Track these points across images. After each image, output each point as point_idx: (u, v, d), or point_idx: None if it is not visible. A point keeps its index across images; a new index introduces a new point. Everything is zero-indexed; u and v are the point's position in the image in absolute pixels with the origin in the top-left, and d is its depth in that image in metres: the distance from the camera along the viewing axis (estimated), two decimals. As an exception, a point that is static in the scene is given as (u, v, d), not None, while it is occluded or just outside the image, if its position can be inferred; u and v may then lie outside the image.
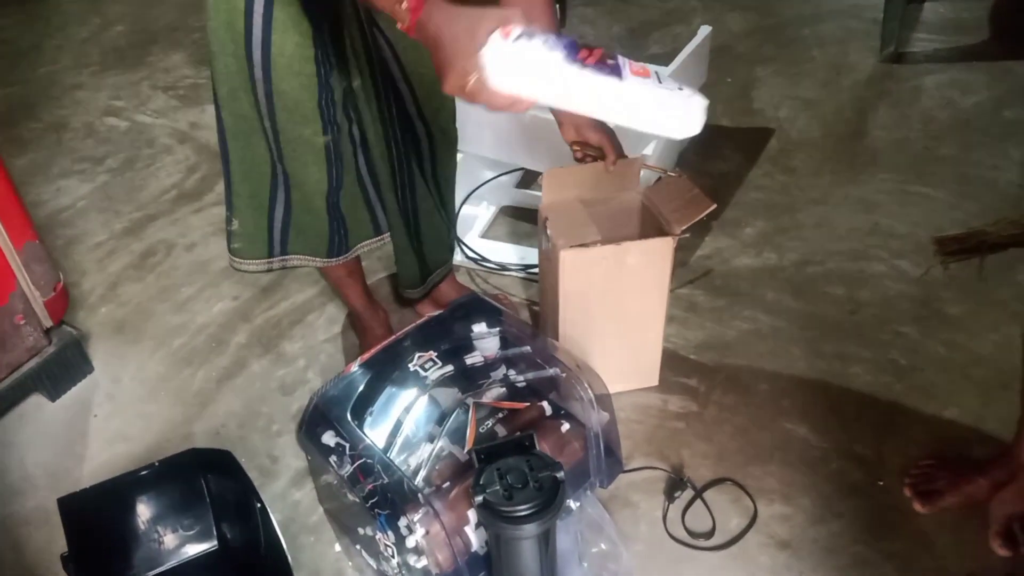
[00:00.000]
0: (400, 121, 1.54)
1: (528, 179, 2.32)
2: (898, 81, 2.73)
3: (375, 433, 1.36)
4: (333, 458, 1.35)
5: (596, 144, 1.54)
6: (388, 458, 1.32)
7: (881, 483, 1.57)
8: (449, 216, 1.77)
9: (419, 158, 1.61)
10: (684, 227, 1.55)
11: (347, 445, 1.35)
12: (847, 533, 1.50)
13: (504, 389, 1.43)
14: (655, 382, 1.78)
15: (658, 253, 1.58)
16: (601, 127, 1.54)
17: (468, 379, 1.44)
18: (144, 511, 1.24)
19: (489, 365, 1.47)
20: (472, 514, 1.30)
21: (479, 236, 2.18)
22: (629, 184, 1.64)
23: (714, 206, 1.58)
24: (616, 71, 1.07)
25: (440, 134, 1.62)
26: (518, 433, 1.27)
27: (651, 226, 1.63)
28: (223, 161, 1.52)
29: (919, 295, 1.96)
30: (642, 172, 1.66)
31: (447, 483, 1.32)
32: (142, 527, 1.22)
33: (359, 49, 1.42)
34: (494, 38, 0.99)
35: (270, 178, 1.51)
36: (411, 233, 1.69)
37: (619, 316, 1.66)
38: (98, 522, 1.25)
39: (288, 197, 1.54)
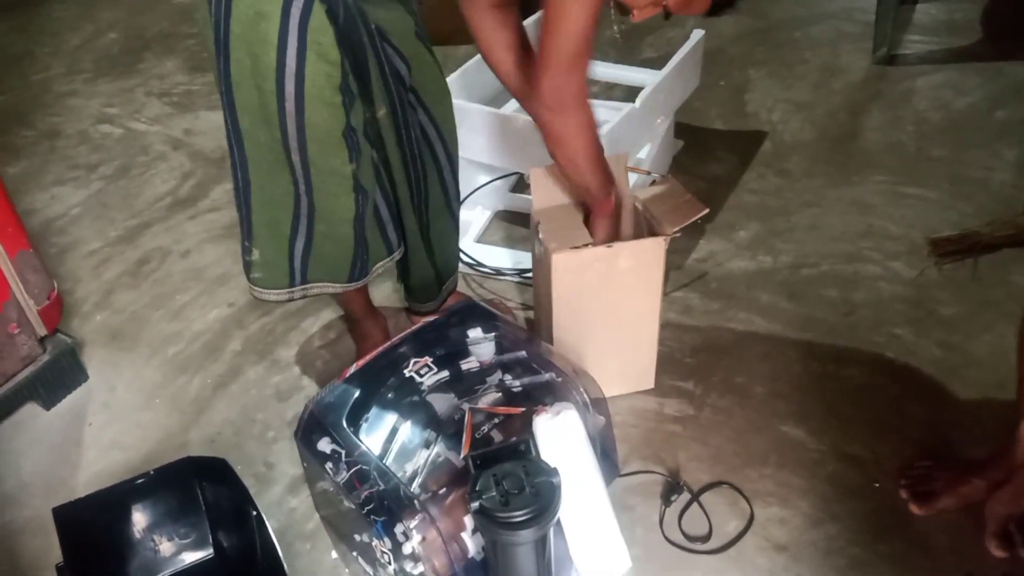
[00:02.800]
0: (416, 135, 1.55)
1: (523, 183, 2.32)
2: (891, 83, 2.74)
3: (371, 439, 1.36)
4: (329, 465, 1.35)
5: None
6: (384, 464, 1.32)
7: (878, 485, 1.57)
8: (457, 219, 1.78)
9: (437, 164, 1.62)
10: (676, 228, 1.55)
11: (343, 452, 1.35)
12: (844, 535, 1.50)
13: (500, 394, 1.43)
14: (651, 385, 1.78)
15: (650, 254, 1.58)
16: None
17: (464, 384, 1.44)
18: (140, 520, 1.24)
19: (485, 370, 1.47)
20: (469, 520, 1.30)
21: (474, 241, 2.18)
22: (616, 184, 1.64)
23: (706, 210, 1.59)
24: None
25: (450, 135, 1.64)
26: (514, 438, 1.27)
27: (644, 229, 1.64)
28: (242, 190, 1.47)
29: (913, 296, 1.96)
30: (639, 179, 1.66)
31: (443, 489, 1.31)
32: (138, 536, 1.22)
33: (378, 77, 1.42)
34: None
35: (293, 209, 1.48)
36: (428, 249, 1.70)
37: (613, 319, 1.67)
38: (93, 532, 1.24)
39: (311, 228, 1.51)
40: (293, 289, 1.58)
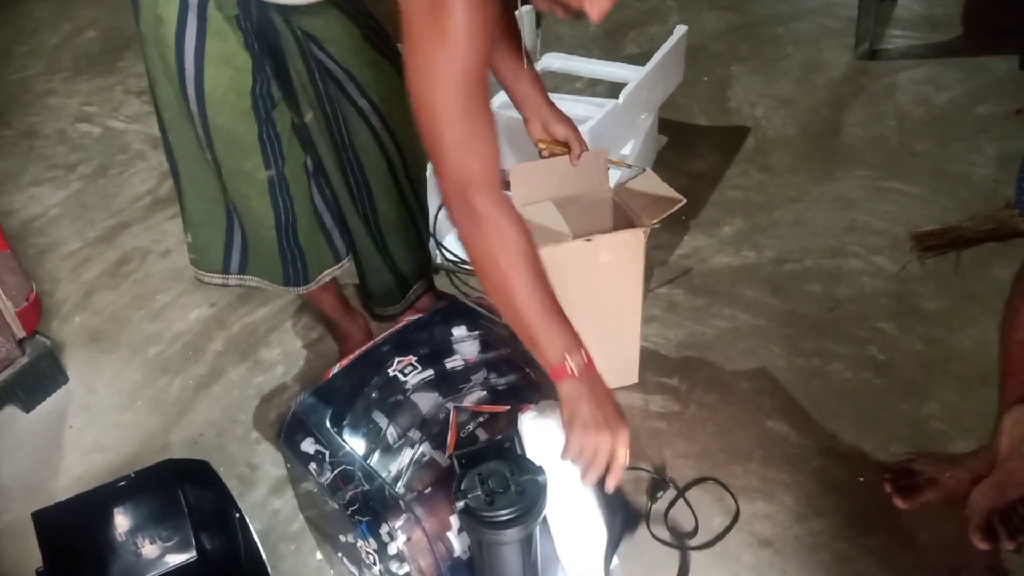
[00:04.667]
0: (360, 141, 1.52)
1: (507, 181, 2.31)
2: (873, 78, 2.75)
3: (355, 439, 1.35)
4: (313, 465, 1.34)
5: (562, 139, 1.55)
6: (368, 465, 1.31)
7: (862, 479, 1.58)
8: (425, 223, 1.76)
9: (391, 169, 1.59)
10: (655, 220, 1.55)
11: (327, 452, 1.34)
12: (829, 530, 1.50)
13: (485, 393, 1.42)
14: (635, 379, 1.78)
15: (630, 247, 1.58)
16: (567, 122, 1.54)
17: (448, 383, 1.43)
18: (121, 523, 1.23)
19: (469, 369, 1.46)
20: (454, 519, 1.29)
21: (458, 238, 2.17)
22: (597, 179, 1.64)
23: (684, 202, 1.58)
24: None
25: (410, 142, 1.59)
26: (499, 437, 1.26)
27: (623, 223, 1.63)
28: (173, 178, 1.50)
29: (897, 291, 1.97)
30: (619, 174, 1.66)
31: (428, 489, 1.31)
32: (119, 540, 1.21)
33: (306, 82, 1.41)
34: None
35: (224, 203, 1.50)
36: (381, 251, 1.68)
37: (595, 314, 1.66)
38: (74, 536, 1.23)
39: (243, 224, 1.53)
40: (228, 276, 1.60)
